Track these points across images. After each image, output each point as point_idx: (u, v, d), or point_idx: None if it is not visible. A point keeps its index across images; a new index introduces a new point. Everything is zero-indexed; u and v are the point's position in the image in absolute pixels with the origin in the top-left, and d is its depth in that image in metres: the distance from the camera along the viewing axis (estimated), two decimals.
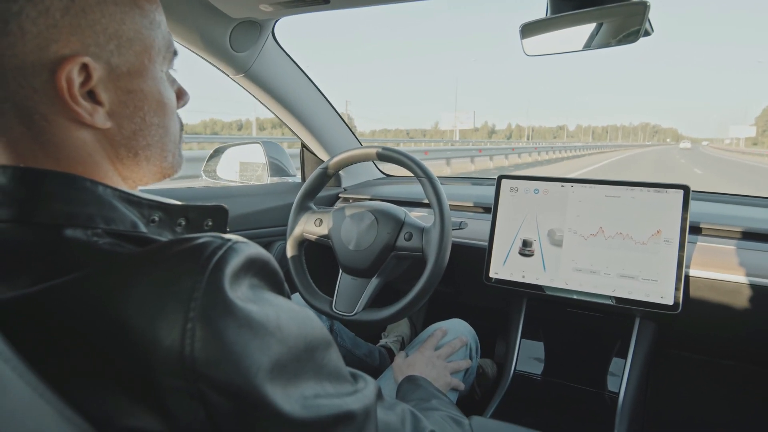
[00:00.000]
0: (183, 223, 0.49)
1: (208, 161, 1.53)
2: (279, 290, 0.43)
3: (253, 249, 0.40)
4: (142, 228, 0.44)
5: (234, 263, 0.36)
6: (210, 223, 0.51)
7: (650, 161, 23.17)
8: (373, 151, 1.04)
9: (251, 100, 1.28)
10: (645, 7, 0.76)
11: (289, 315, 0.39)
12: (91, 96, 0.41)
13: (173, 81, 0.51)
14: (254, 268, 0.39)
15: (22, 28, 0.37)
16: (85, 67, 0.40)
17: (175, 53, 0.50)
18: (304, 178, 1.61)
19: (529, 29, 0.91)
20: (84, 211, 0.40)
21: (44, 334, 0.34)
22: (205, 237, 0.37)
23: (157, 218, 0.46)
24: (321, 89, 1.41)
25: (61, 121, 0.41)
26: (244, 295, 0.37)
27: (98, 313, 0.34)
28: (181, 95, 0.52)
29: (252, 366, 0.34)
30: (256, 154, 1.53)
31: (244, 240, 0.40)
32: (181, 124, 0.52)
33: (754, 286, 0.95)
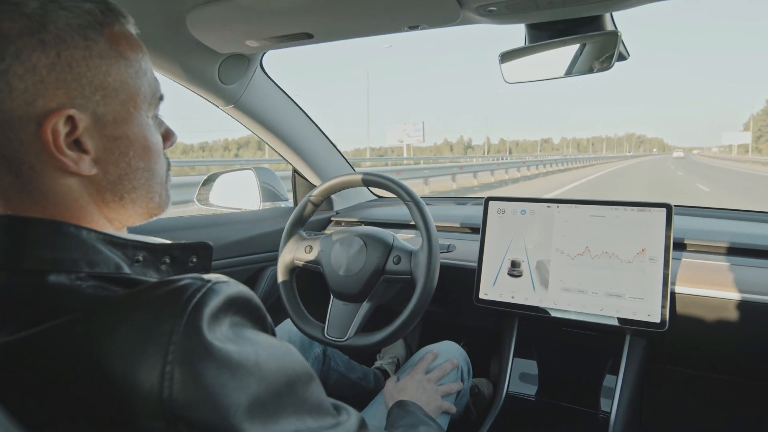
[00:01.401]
0: (168, 260, 0.50)
1: (200, 188, 1.55)
2: (261, 326, 0.44)
3: (233, 288, 0.41)
4: (126, 269, 0.45)
5: (213, 304, 0.38)
6: (194, 260, 0.52)
7: (642, 186, 15.26)
8: (358, 177, 1.06)
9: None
10: (617, 36, 0.79)
11: (269, 351, 0.41)
12: (77, 144, 0.43)
13: (160, 123, 0.52)
14: (234, 307, 0.40)
15: (9, 85, 0.39)
16: (70, 119, 0.41)
17: (161, 98, 0.51)
18: (296, 203, 1.63)
19: (508, 57, 0.94)
20: (68, 256, 0.41)
21: (29, 380, 0.36)
22: (185, 279, 0.39)
23: (141, 258, 0.47)
24: (310, 116, 1.44)
25: (48, 170, 0.42)
26: (223, 335, 0.38)
27: (81, 359, 0.35)
28: (168, 136, 0.53)
29: (231, 406, 0.35)
30: (248, 181, 1.55)
31: (225, 279, 0.41)
32: (168, 164, 0.54)
33: (740, 302, 0.96)
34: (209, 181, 1.55)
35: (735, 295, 0.96)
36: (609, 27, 0.85)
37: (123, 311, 0.36)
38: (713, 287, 0.98)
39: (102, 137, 0.44)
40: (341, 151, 1.59)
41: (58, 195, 0.43)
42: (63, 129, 0.41)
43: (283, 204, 1.57)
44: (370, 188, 1.81)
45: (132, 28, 0.48)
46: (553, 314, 1.07)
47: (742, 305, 0.96)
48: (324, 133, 1.50)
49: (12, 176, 0.42)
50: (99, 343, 0.35)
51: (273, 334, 0.46)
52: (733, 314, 0.98)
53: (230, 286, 0.40)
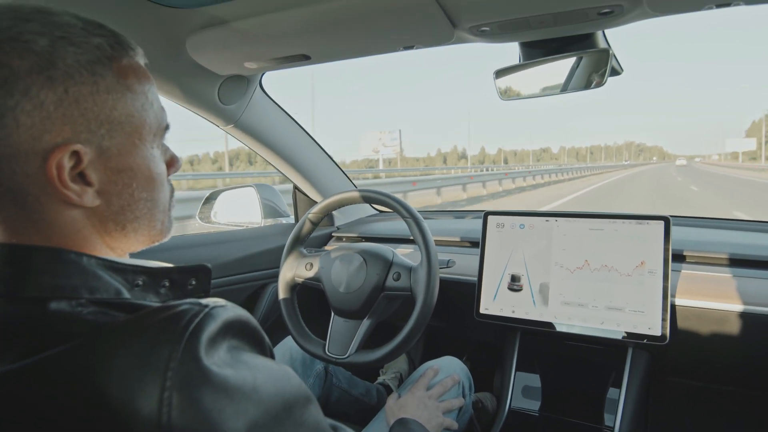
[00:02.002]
0: (167, 284, 0.50)
1: (202, 207, 1.56)
2: (259, 348, 0.44)
3: (231, 312, 0.41)
4: (126, 294, 0.45)
5: (210, 329, 0.38)
6: (194, 282, 0.52)
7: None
8: (356, 194, 1.07)
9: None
10: (608, 53, 0.80)
11: (267, 375, 0.41)
12: (81, 177, 0.43)
13: (165, 150, 0.53)
14: (232, 331, 0.41)
15: (17, 121, 0.40)
16: (75, 153, 0.42)
17: (166, 128, 0.52)
18: (297, 219, 1.64)
19: (503, 74, 0.96)
20: (69, 283, 0.42)
21: (29, 408, 0.36)
22: (183, 305, 0.39)
23: (141, 282, 0.48)
24: (311, 133, 1.45)
25: (52, 202, 0.43)
26: (221, 359, 0.38)
27: (82, 387, 0.35)
28: (172, 163, 0.54)
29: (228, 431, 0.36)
30: (249, 198, 1.56)
31: (222, 303, 0.42)
32: (172, 190, 0.54)
33: (740, 313, 0.96)
34: (211, 198, 1.57)
35: (736, 307, 0.96)
36: (601, 44, 0.87)
37: (122, 338, 0.37)
38: (713, 299, 0.98)
39: (106, 169, 0.45)
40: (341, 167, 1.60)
41: (62, 226, 0.44)
42: (68, 163, 0.42)
43: (284, 220, 1.58)
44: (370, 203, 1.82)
45: (140, 59, 0.48)
46: (559, 329, 1.06)
47: (743, 317, 0.96)
48: (324, 150, 1.52)
49: (17, 208, 0.42)
50: (99, 370, 0.35)
51: (271, 355, 0.46)
52: (734, 326, 0.98)
53: (227, 311, 0.41)
